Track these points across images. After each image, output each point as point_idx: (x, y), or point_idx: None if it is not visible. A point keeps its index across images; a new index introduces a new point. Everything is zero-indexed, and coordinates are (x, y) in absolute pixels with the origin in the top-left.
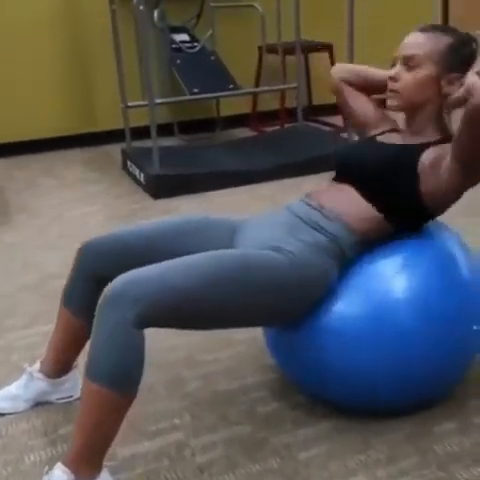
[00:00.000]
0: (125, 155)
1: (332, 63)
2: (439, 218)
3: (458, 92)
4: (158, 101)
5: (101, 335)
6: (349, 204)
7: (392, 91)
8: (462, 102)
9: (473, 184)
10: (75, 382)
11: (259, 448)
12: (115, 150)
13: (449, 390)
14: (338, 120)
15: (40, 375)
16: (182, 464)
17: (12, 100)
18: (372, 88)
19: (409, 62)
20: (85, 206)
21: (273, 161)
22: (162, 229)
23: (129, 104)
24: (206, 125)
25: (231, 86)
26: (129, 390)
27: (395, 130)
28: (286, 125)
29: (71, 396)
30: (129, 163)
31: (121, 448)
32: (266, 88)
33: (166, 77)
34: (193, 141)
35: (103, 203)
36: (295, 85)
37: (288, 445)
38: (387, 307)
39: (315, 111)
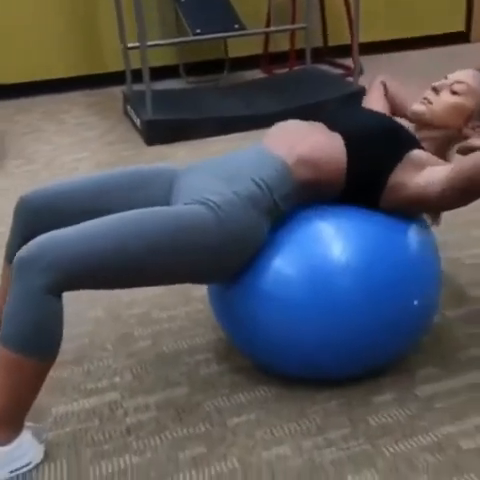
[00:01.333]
0: (125, 99)
1: (347, 3)
2: None
3: (474, 141)
4: (151, 43)
5: (12, 300)
6: (311, 140)
7: (426, 99)
8: (470, 152)
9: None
10: None
11: (191, 412)
12: (120, 93)
13: (398, 359)
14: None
15: None
16: (111, 425)
17: (16, 42)
18: (398, 111)
19: (455, 87)
20: (79, 151)
21: (277, 105)
22: (100, 183)
23: (129, 45)
24: (214, 67)
25: (236, 26)
26: (41, 356)
27: None
28: (296, 67)
29: None
30: (128, 107)
31: (57, 405)
32: (273, 29)
33: (172, 16)
34: (200, 83)
35: (96, 149)
36: (304, 25)
37: (220, 410)
38: (325, 272)
39: (330, 52)
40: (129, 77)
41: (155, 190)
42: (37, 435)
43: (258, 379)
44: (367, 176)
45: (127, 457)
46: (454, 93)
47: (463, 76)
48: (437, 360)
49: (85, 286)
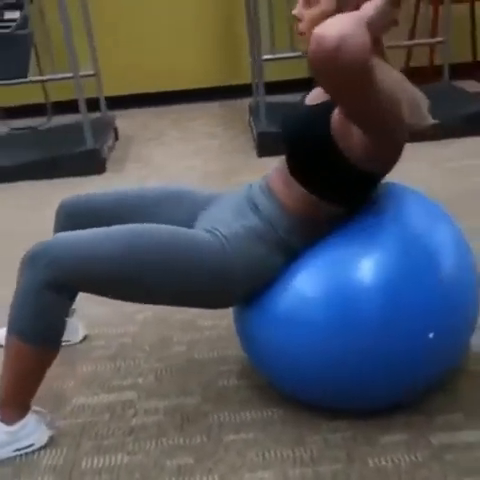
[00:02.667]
0: (250, 110)
1: None
2: None
3: None
4: (267, 57)
5: (18, 292)
6: (284, 182)
7: (299, 34)
8: None
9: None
10: (72, 327)
11: (194, 422)
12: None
13: (419, 397)
14: None
15: None
16: (118, 423)
17: (160, 53)
18: None
19: None
20: (192, 159)
21: None
22: (130, 197)
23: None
24: None
25: None
26: (40, 345)
27: None
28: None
29: (68, 340)
30: (251, 119)
31: (78, 397)
32: (410, 42)
33: None
34: None
35: (210, 158)
36: (441, 39)
37: (222, 424)
38: (345, 296)
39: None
40: (258, 88)
41: (181, 213)
42: (50, 423)
43: (270, 399)
44: (323, 171)
45: (120, 456)
46: (308, 3)
47: None
48: (464, 404)
49: (85, 289)
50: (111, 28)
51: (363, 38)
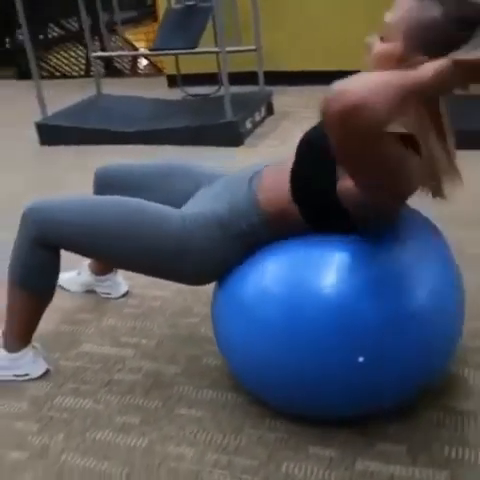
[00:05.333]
0: None
1: None
2: None
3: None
4: None
5: (14, 244)
6: (274, 181)
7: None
8: None
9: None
10: (114, 283)
11: (161, 389)
12: None
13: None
14: None
15: (88, 269)
16: (103, 373)
17: (324, 35)
18: None
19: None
20: None
21: None
22: (159, 170)
23: None
24: None
25: None
26: (30, 292)
27: None
28: None
29: (109, 294)
30: None
31: (88, 343)
32: None
33: None
34: None
35: None
36: None
37: (182, 398)
38: (299, 305)
39: None
40: None
41: (182, 187)
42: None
43: (238, 385)
44: (315, 199)
45: (86, 401)
46: (383, 38)
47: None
48: (416, 438)
49: (63, 247)
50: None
51: (384, 107)
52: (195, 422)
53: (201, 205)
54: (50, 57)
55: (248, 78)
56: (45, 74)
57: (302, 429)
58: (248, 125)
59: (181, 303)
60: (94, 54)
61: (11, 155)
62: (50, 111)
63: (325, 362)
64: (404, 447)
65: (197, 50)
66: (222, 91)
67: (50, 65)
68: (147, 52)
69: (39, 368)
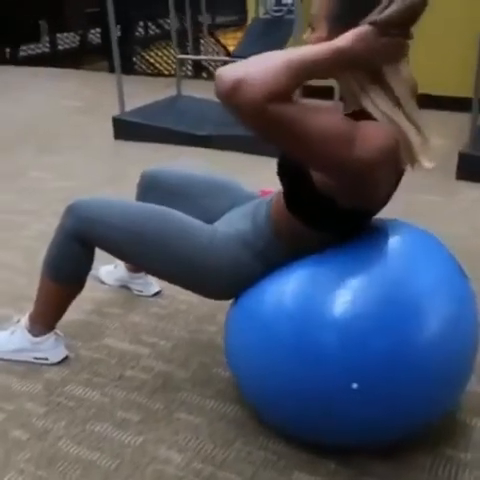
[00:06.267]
0: None
1: None
2: None
3: None
4: None
5: (54, 234)
6: (278, 200)
7: None
8: None
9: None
10: (146, 282)
11: (166, 392)
12: None
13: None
14: None
15: (123, 265)
16: (117, 368)
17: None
18: None
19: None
20: None
21: None
22: (205, 182)
23: None
24: None
25: None
26: (60, 282)
27: None
28: None
29: (141, 291)
30: None
31: (111, 337)
32: None
33: None
34: None
35: None
36: None
37: (184, 403)
38: (305, 316)
39: None
40: None
41: (219, 203)
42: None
43: (240, 398)
44: (303, 202)
45: (94, 393)
46: (312, 28)
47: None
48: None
49: (99, 247)
50: None
51: (264, 83)
52: (191, 429)
53: (229, 223)
54: (146, 54)
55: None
56: (139, 69)
57: (293, 452)
58: None
59: (205, 310)
60: (179, 56)
61: (86, 144)
62: (132, 106)
63: (325, 385)
64: None
65: None
66: None
67: (145, 62)
68: (227, 58)
69: (59, 354)
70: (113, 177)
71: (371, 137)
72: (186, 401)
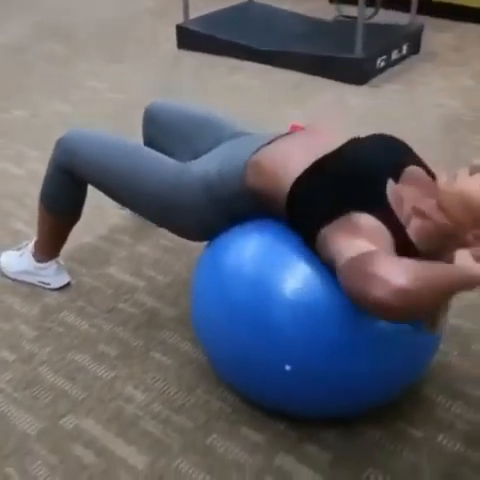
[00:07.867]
0: None
1: None
2: None
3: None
4: None
5: (47, 166)
6: (274, 147)
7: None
8: None
9: None
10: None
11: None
12: None
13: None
14: None
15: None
16: (111, 300)
17: None
18: None
19: None
20: (446, 95)
21: None
22: (204, 118)
23: None
24: None
25: None
26: (55, 214)
27: None
28: None
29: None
30: None
31: (125, 274)
32: None
33: None
34: None
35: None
36: None
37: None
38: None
39: None
40: None
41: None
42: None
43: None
44: (303, 214)
45: (83, 323)
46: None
47: None
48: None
49: (85, 179)
50: None
51: (421, 306)
52: (161, 369)
53: (204, 162)
54: None
55: (405, 4)
56: None
57: (247, 408)
58: (380, 63)
59: None
60: None
61: (149, 53)
62: (199, 13)
63: (274, 357)
64: (330, 455)
65: None
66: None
67: None
68: None
69: (60, 280)
70: (166, 91)
71: None
72: (165, 340)
